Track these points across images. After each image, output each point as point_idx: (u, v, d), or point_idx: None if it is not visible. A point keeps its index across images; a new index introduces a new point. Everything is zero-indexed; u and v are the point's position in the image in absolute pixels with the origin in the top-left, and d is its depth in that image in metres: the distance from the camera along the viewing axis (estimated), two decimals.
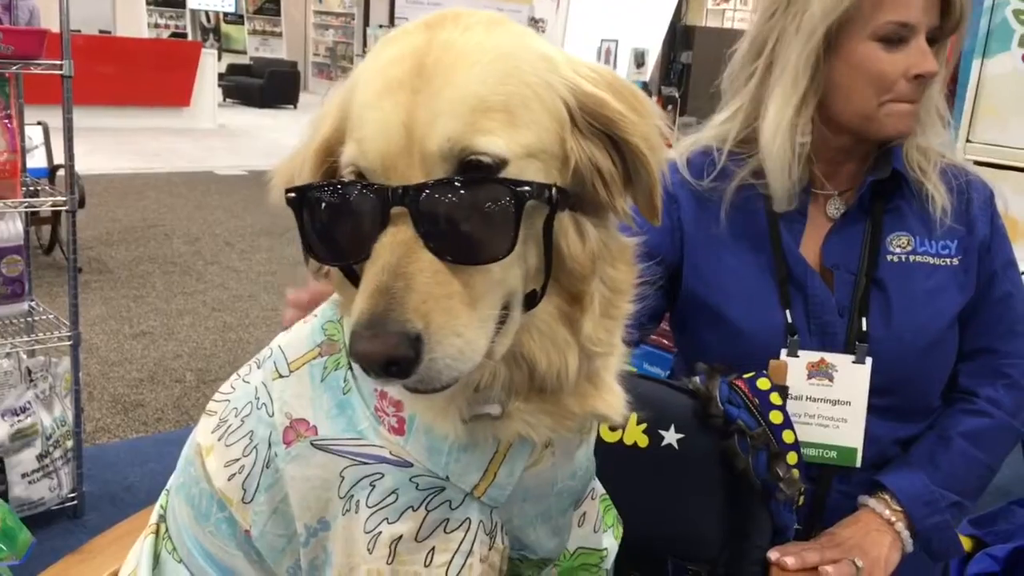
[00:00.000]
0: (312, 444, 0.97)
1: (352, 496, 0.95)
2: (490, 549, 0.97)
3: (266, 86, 18.59)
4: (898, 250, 1.54)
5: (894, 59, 1.47)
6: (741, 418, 1.35)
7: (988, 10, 3.12)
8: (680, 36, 16.31)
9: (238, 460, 1.03)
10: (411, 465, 0.93)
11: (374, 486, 0.94)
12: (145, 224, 8.19)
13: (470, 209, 0.78)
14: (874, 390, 1.51)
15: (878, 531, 1.45)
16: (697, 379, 1.41)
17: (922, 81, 1.48)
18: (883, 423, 1.53)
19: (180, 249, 7.46)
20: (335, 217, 0.82)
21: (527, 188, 0.79)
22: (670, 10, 14.97)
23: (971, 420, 1.55)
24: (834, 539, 1.43)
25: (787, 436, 1.35)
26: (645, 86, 15.10)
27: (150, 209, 8.82)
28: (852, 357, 1.51)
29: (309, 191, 0.84)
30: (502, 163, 0.80)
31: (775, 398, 1.37)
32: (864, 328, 1.51)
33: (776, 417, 1.36)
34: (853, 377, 1.50)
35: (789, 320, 1.51)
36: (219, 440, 1.06)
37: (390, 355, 0.73)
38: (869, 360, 1.50)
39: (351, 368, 0.98)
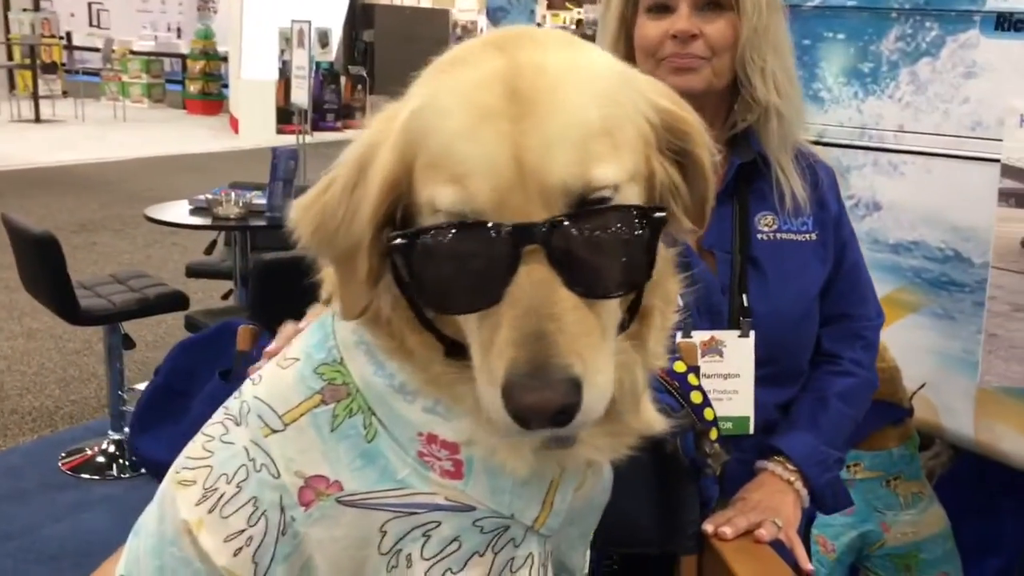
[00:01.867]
0: (339, 501, 0.89)
1: (400, 550, 0.88)
2: None
3: None
4: (766, 229, 1.66)
5: (658, 25, 1.60)
6: (664, 402, 1.40)
7: None
8: (360, 14, 16.26)
9: (243, 532, 0.92)
10: (473, 508, 0.88)
11: (429, 536, 0.87)
12: None
13: (609, 241, 0.76)
14: (757, 361, 1.62)
15: (781, 491, 1.56)
16: None
17: (680, 40, 1.58)
18: (765, 390, 1.65)
19: None
20: (459, 262, 0.75)
21: (663, 214, 0.78)
22: None
23: (842, 380, 1.70)
24: (749, 503, 1.52)
25: (708, 414, 1.42)
26: (331, 67, 14.89)
27: None
28: (738, 332, 1.61)
29: (422, 236, 0.76)
30: (615, 190, 0.77)
31: (692, 379, 1.43)
32: (745, 304, 1.61)
33: (696, 397, 1.42)
34: (740, 350, 1.61)
35: (680, 303, 1.58)
36: (210, 512, 0.93)
37: (562, 403, 0.69)
38: (753, 333, 1.61)
39: (375, 414, 0.90)
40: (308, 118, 13.26)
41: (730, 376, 1.61)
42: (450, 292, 0.78)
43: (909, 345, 3.06)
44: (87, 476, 4.04)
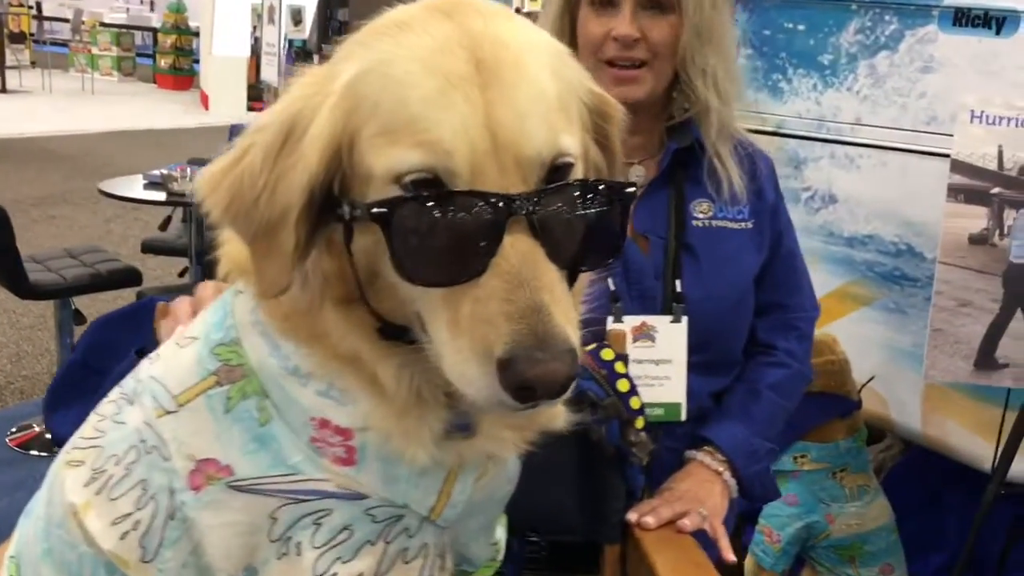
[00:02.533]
0: (229, 486, 0.86)
1: (290, 538, 0.85)
2: (441, 571, 0.92)
3: None
4: (701, 216, 1.64)
5: (602, 22, 1.58)
6: (591, 389, 1.39)
7: None
8: None
9: (130, 515, 0.89)
10: (364, 497, 0.86)
11: (320, 524, 0.85)
12: None
13: (587, 214, 0.77)
14: (689, 348, 1.60)
15: (709, 481, 1.55)
16: None
17: (623, 43, 1.56)
18: (698, 378, 1.63)
19: None
20: (444, 231, 0.74)
21: (633, 189, 0.80)
22: None
23: (775, 372, 1.69)
24: (675, 493, 1.51)
25: (634, 402, 1.41)
26: (304, 45, 14.74)
27: None
28: (670, 317, 1.59)
29: (405, 203, 0.74)
30: (575, 163, 0.79)
31: (619, 367, 1.42)
32: (679, 289, 1.60)
33: (623, 385, 1.41)
34: (672, 336, 1.59)
35: (612, 287, 1.57)
36: (98, 494, 0.91)
37: (570, 373, 0.70)
38: (685, 319, 1.59)
39: (269, 397, 0.87)
40: (278, 95, 13.11)
41: (662, 362, 1.59)
42: (434, 262, 0.75)
43: (860, 338, 3.08)
44: (35, 453, 3.99)
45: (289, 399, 0.86)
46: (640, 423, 1.40)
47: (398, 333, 0.83)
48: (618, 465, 1.41)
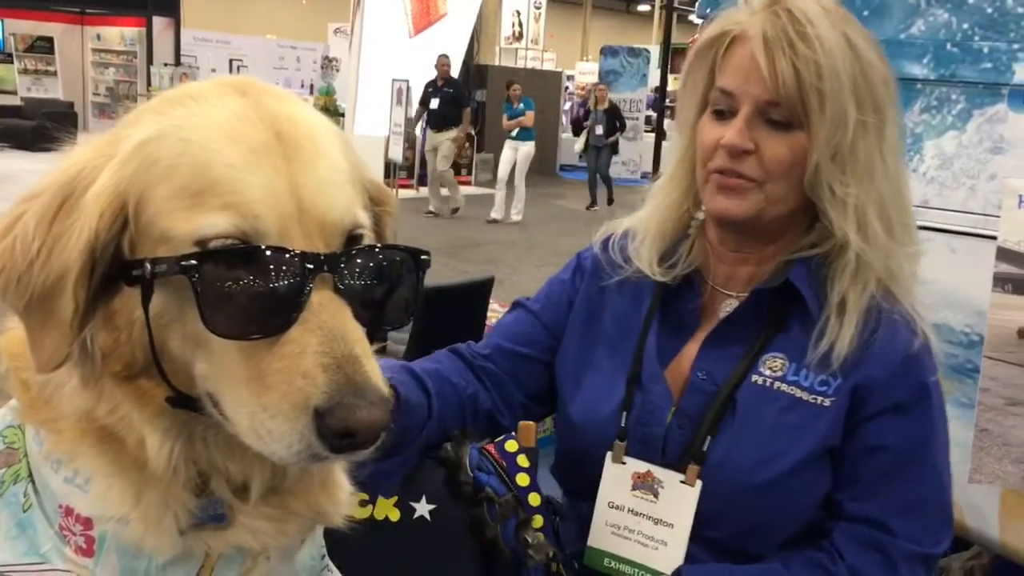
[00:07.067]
0: None
1: None
2: None
3: (38, 128, 17.39)
4: (767, 372, 1.43)
5: (717, 130, 1.44)
6: (490, 484, 1.34)
7: None
8: (473, 75, 16.64)
9: None
10: None
11: None
12: None
13: (387, 277, 0.83)
14: (701, 516, 1.40)
15: None
16: (448, 446, 1.38)
17: (730, 153, 1.40)
18: (706, 555, 1.42)
19: None
20: (254, 285, 0.76)
21: (427, 257, 0.85)
22: (462, 50, 15.19)
23: None
24: None
25: (533, 499, 1.35)
26: None
27: None
28: (681, 476, 1.40)
29: (218, 256, 0.76)
30: (366, 233, 0.85)
31: (522, 460, 1.36)
32: (704, 448, 1.40)
33: (523, 479, 1.35)
34: (680, 498, 1.40)
35: (623, 424, 1.46)
36: None
37: (386, 420, 0.74)
38: (699, 484, 1.39)
39: (32, 481, 0.88)
40: (414, 173, 13.59)
41: (662, 523, 1.40)
42: (244, 315, 0.77)
43: None
44: None
45: (45, 485, 0.87)
46: (538, 522, 1.33)
47: (187, 403, 0.83)
48: (516, 567, 1.34)
